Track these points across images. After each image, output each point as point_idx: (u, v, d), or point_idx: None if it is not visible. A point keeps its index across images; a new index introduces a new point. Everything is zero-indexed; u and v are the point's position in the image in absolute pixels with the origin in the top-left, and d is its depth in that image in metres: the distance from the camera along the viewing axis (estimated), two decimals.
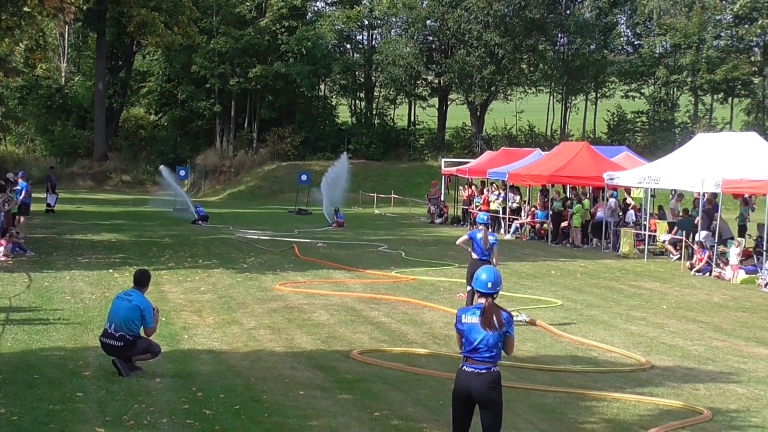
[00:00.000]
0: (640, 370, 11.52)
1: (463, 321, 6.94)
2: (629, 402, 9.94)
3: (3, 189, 22.48)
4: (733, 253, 21.50)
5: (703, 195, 23.12)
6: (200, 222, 32.04)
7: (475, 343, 6.84)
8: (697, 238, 23.18)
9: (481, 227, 14.50)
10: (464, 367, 6.90)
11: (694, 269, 22.29)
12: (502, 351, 6.99)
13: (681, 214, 25.74)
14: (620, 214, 28.23)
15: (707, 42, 57.98)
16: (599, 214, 27.66)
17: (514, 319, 14.42)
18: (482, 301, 6.98)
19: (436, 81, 63.69)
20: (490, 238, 14.39)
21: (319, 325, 13.88)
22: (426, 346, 12.65)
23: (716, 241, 22.47)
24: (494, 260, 14.36)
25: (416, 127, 66.10)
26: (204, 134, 62.68)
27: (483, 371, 6.82)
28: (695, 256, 22.78)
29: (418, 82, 63.92)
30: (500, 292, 7.20)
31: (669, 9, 59.60)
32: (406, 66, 59.28)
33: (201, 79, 58.95)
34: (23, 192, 26.01)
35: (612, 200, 27.61)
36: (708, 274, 21.85)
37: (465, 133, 64.00)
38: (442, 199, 37.81)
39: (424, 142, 63.91)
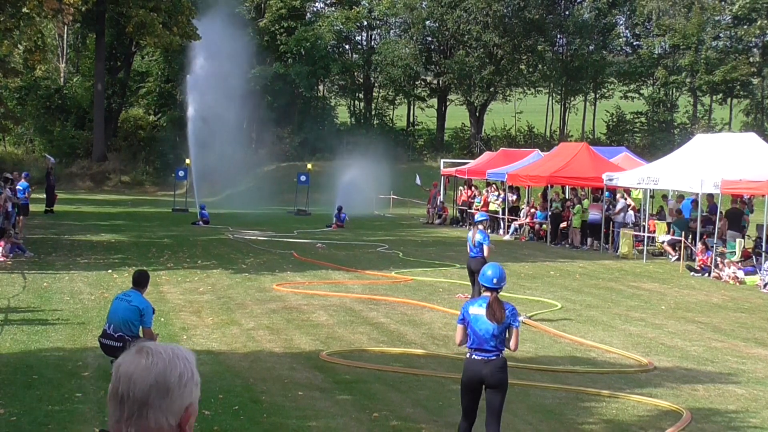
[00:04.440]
0: (642, 371, 11.52)
1: (470, 312, 7.44)
2: (628, 402, 9.93)
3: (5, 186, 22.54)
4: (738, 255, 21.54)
5: (696, 197, 23.09)
6: (200, 223, 32.00)
7: (481, 333, 7.33)
8: (730, 241, 22.68)
9: (480, 227, 15.02)
10: (473, 356, 7.40)
11: (693, 270, 22.27)
12: (507, 346, 7.47)
13: (676, 214, 25.75)
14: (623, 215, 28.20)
15: (706, 43, 57.97)
16: (592, 215, 27.56)
17: None
18: (488, 294, 7.54)
19: (435, 82, 63.69)
20: (478, 236, 14.90)
21: (318, 326, 13.88)
22: (425, 346, 12.64)
23: (717, 241, 22.46)
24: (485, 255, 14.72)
25: (415, 127, 66.08)
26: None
27: (492, 358, 7.34)
28: (697, 258, 22.69)
29: (417, 83, 63.95)
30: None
31: (668, 10, 59.60)
32: (405, 67, 59.28)
33: None
34: (26, 192, 26.16)
35: (622, 200, 27.55)
36: (707, 274, 21.84)
37: (464, 134, 63.99)
38: (441, 200, 37.78)
39: (423, 143, 63.91)
